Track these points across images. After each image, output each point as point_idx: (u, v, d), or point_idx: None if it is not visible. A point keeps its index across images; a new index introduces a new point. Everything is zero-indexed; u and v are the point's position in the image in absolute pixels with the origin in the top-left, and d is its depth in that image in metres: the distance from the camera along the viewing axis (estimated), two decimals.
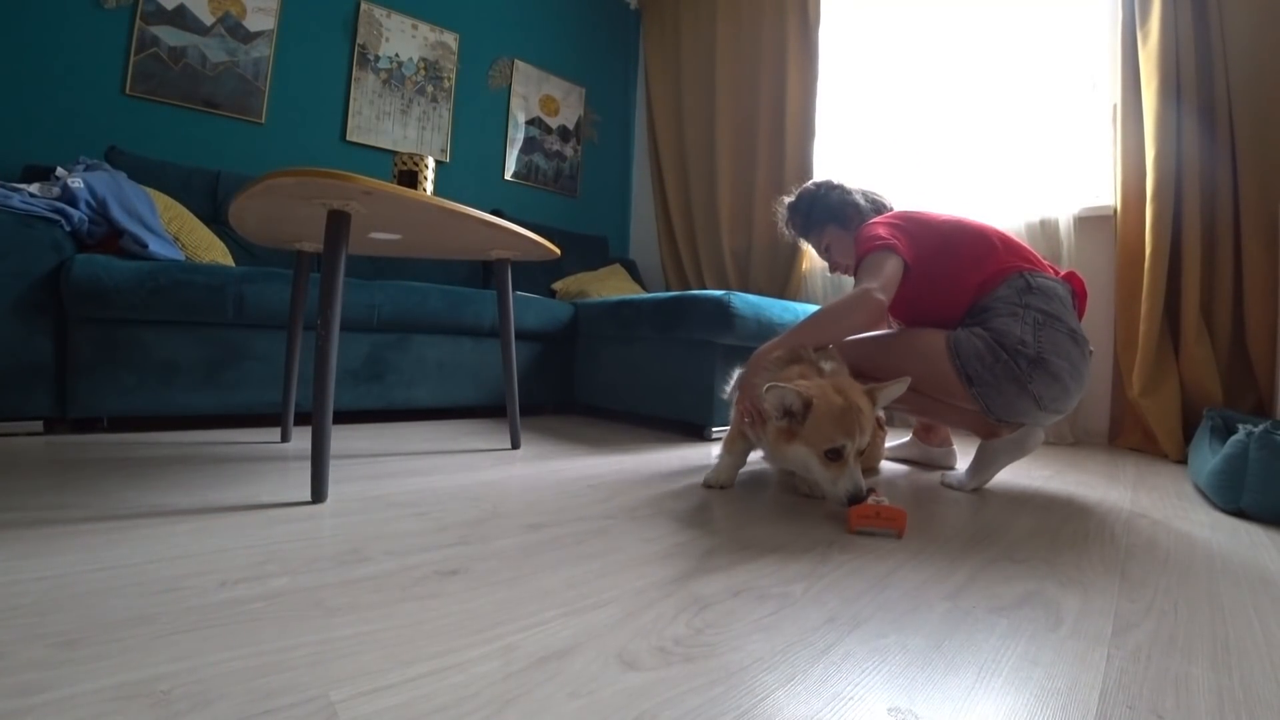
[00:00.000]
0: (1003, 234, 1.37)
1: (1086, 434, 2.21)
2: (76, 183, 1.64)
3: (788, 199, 1.67)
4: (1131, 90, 2.03)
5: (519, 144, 3.42)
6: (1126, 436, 2.09)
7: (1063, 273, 1.36)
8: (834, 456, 1.03)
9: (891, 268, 1.28)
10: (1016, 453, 1.32)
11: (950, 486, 1.36)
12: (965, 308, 1.34)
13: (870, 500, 1.00)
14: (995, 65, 2.41)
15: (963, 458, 1.64)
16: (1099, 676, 0.56)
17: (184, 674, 0.50)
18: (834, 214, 1.56)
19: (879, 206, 1.57)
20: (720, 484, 1.28)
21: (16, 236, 1.47)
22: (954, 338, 1.28)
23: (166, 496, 1.03)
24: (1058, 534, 1.03)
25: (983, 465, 1.33)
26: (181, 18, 2.34)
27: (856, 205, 1.55)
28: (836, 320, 1.25)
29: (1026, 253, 1.35)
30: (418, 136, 3.01)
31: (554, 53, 3.56)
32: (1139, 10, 2.00)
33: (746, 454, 1.33)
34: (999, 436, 1.33)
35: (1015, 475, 1.52)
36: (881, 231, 1.34)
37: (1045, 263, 1.37)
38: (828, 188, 1.59)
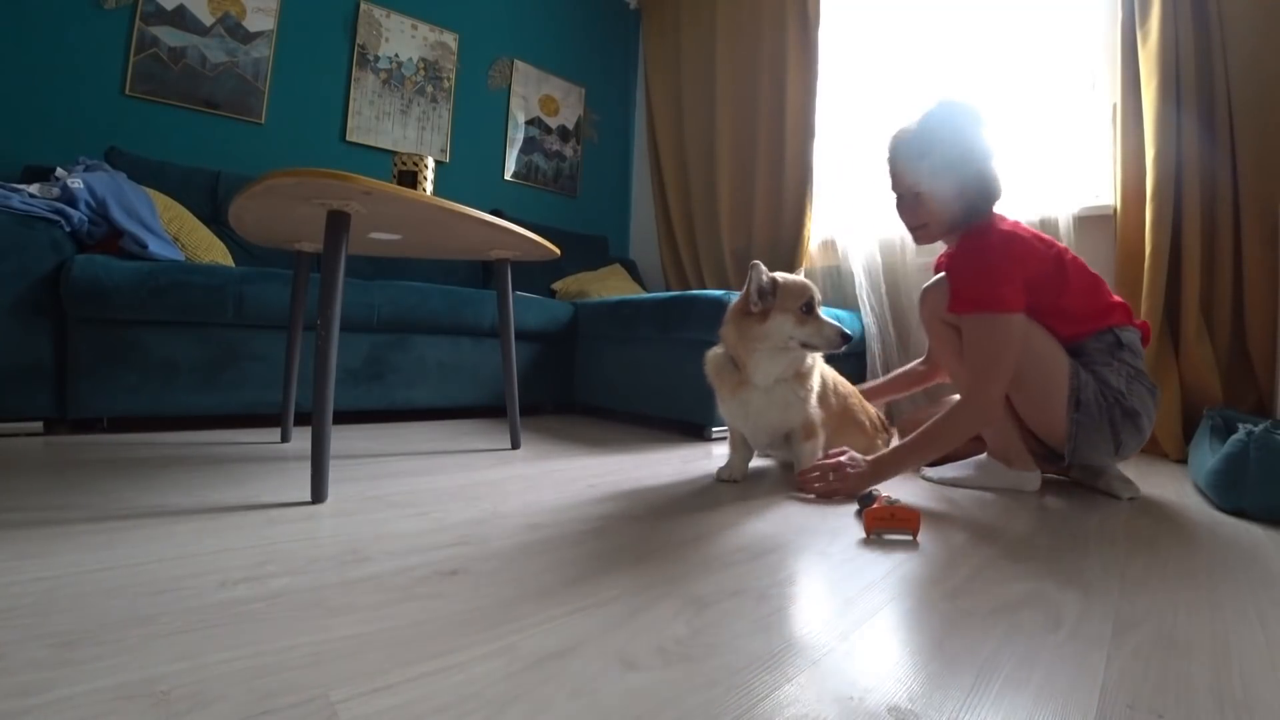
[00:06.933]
0: (1102, 283, 1.31)
1: None
2: (76, 183, 1.64)
3: (921, 119, 1.37)
4: (1131, 90, 2.03)
5: (519, 144, 3.42)
6: None
7: (1137, 322, 1.33)
8: (806, 311, 1.22)
9: (1017, 342, 1.20)
10: (1013, 487, 1.32)
11: (927, 479, 1.40)
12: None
13: (883, 502, 1.00)
14: (995, 65, 2.40)
15: None
16: (1099, 676, 0.56)
17: (184, 674, 0.50)
18: (967, 180, 1.27)
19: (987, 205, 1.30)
20: (733, 477, 1.36)
21: (16, 237, 1.47)
22: (1074, 364, 1.25)
23: (166, 496, 1.03)
24: (1058, 534, 1.03)
25: (977, 474, 1.35)
26: (181, 18, 2.34)
27: (988, 198, 1.28)
28: (955, 432, 1.23)
29: (1117, 301, 1.31)
30: (417, 136, 3.01)
31: (553, 53, 3.56)
32: (1139, 10, 1.99)
33: (752, 448, 1.41)
34: (1011, 466, 1.33)
35: None
36: (1007, 291, 1.19)
37: (1123, 304, 1.32)
38: (988, 150, 1.28)
